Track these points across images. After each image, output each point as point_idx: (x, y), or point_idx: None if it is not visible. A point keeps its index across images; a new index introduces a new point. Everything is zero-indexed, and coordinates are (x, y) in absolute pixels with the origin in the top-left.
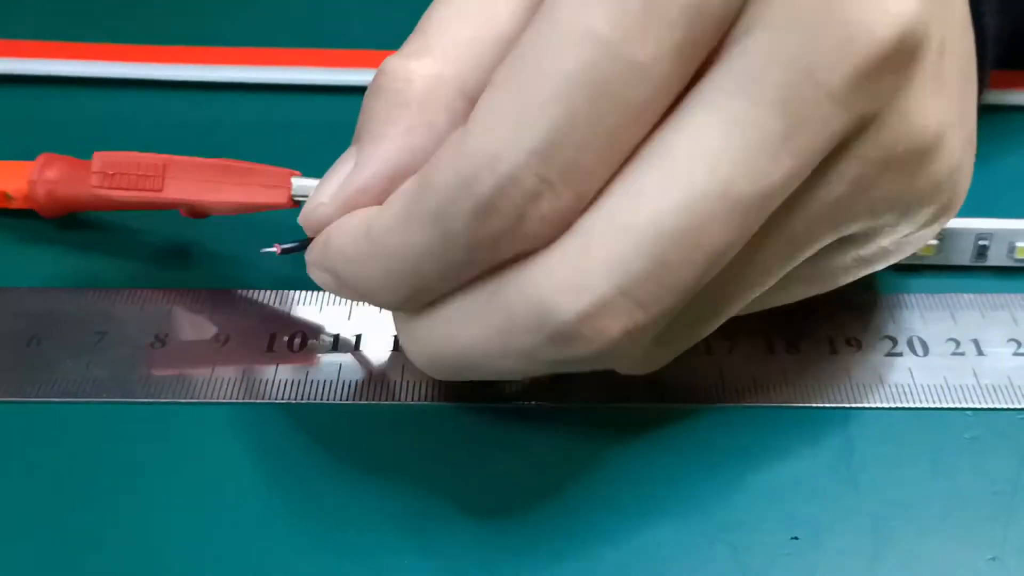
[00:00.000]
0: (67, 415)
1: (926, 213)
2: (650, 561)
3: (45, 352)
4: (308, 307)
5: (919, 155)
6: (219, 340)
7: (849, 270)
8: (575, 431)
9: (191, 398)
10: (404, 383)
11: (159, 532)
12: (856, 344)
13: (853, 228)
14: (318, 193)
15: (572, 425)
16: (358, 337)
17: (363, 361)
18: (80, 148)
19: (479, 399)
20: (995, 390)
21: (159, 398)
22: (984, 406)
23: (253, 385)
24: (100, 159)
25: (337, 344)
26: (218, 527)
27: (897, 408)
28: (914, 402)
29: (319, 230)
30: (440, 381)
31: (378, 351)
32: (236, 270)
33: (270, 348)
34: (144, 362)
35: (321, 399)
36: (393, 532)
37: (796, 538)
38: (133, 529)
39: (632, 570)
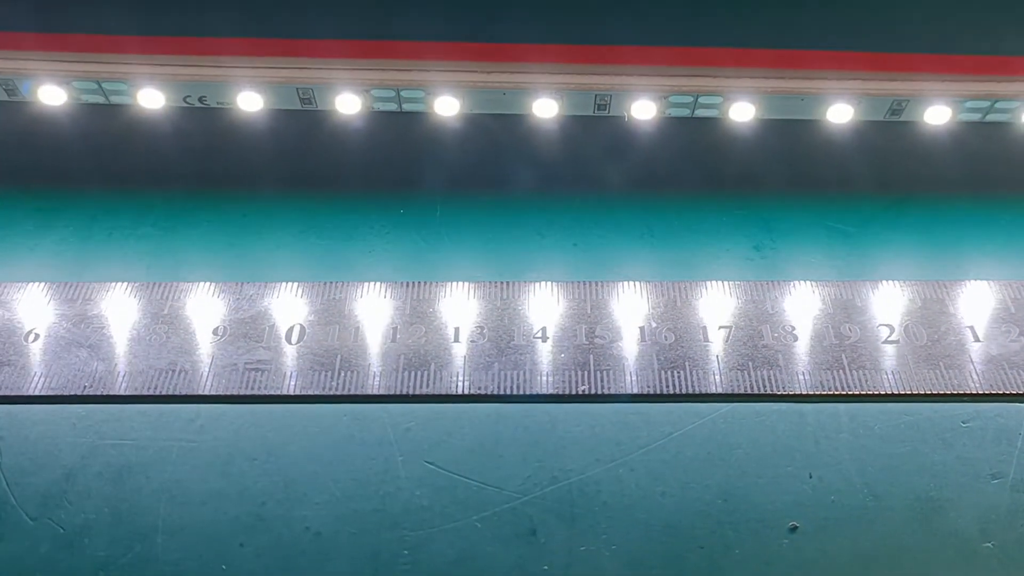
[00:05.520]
0: None
1: None
2: (656, 545)
3: None
4: None
5: None
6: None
7: None
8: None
9: None
10: None
11: None
12: (854, 331)
13: None
14: None
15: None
16: None
17: None
18: None
19: None
20: (992, 376)
21: None
22: (981, 391)
23: None
24: None
25: None
26: None
27: (893, 395)
28: (911, 388)
29: None
30: None
31: None
32: None
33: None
34: None
35: None
36: None
37: (795, 527)
38: None
39: (644, 556)
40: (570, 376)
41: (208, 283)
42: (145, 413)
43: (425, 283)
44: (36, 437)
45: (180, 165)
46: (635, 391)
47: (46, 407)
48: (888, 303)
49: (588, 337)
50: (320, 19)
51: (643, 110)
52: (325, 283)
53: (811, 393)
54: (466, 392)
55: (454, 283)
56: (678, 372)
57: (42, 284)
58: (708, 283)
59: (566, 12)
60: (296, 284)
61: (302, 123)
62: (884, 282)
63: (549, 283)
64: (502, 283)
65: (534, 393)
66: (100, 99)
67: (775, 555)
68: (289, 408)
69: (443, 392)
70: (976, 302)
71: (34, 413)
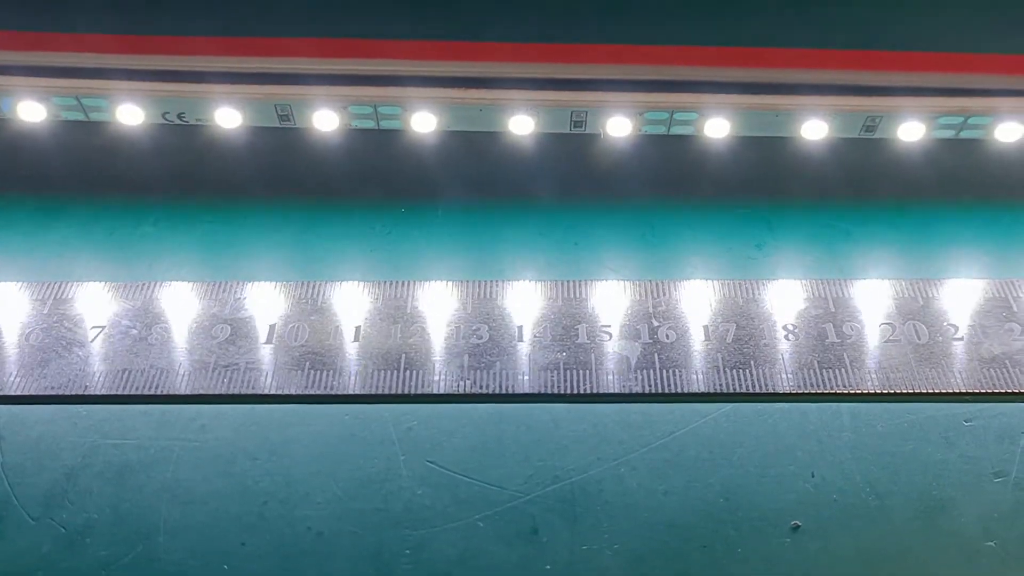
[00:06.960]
0: None
1: None
2: (658, 544)
3: None
4: None
5: None
6: None
7: None
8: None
9: None
10: None
11: None
12: (855, 330)
13: None
14: None
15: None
16: None
17: None
18: None
19: None
20: (995, 375)
21: None
22: (984, 390)
23: None
24: None
25: None
26: None
27: (895, 394)
28: (913, 388)
29: None
30: None
31: None
32: None
33: None
34: None
35: None
36: None
37: (798, 526)
38: None
39: (646, 556)
40: (572, 376)
41: (209, 283)
42: (146, 412)
43: (425, 282)
44: (38, 437)
45: (174, 173)
46: (637, 391)
47: (47, 406)
48: (890, 302)
49: (590, 336)
50: (298, 35)
51: (618, 127)
52: (327, 282)
53: (813, 392)
54: (467, 391)
55: (453, 283)
56: (680, 371)
57: (41, 284)
58: (708, 282)
59: (543, 26)
60: (296, 284)
61: (287, 139)
62: (885, 280)
63: (548, 282)
64: (502, 282)
65: (534, 392)
66: (80, 115)
67: (777, 554)
68: (291, 407)
69: (447, 392)
70: (978, 301)
71: (35, 412)
